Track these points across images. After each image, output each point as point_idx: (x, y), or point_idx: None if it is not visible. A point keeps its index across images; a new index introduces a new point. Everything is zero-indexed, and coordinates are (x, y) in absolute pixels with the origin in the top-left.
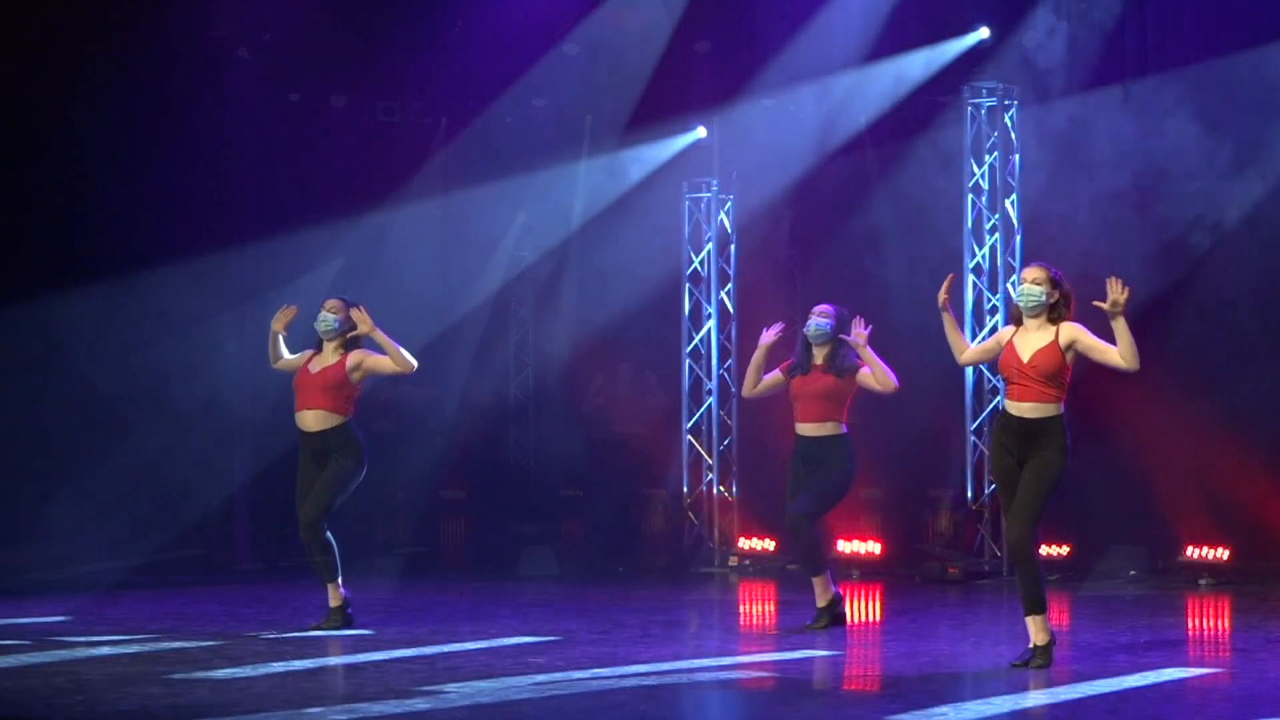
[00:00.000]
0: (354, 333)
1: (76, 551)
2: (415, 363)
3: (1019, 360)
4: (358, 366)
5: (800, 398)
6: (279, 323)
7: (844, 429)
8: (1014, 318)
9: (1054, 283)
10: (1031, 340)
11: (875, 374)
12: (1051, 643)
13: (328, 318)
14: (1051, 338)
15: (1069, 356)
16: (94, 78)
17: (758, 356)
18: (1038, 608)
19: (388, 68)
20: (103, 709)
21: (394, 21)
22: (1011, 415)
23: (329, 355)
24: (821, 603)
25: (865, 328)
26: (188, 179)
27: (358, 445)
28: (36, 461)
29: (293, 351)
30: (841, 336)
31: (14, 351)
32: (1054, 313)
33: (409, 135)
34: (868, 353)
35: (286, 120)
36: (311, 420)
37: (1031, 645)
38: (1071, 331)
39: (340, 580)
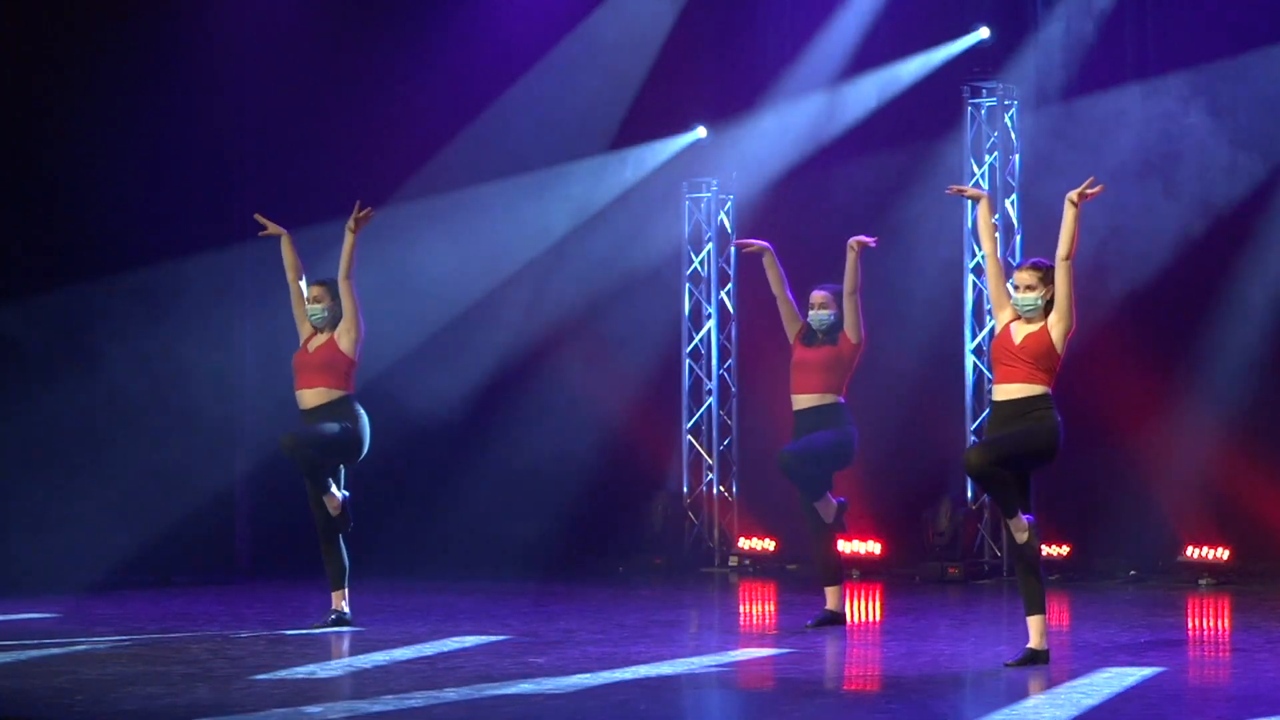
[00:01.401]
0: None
1: (79, 550)
2: (346, 265)
3: (1011, 343)
4: (343, 332)
5: (799, 368)
6: (359, 221)
7: (841, 398)
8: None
9: (1045, 279)
10: (1026, 327)
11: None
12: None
13: (315, 309)
14: (1044, 321)
15: (1055, 334)
16: (110, 75)
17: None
18: (1012, 514)
19: (390, 66)
20: (103, 709)
21: (397, 19)
22: (998, 401)
23: (323, 336)
24: (830, 606)
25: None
26: (195, 177)
27: (359, 416)
28: (49, 457)
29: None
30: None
31: (38, 345)
32: (1049, 306)
33: (412, 135)
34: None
35: (294, 119)
36: (310, 398)
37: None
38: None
39: (346, 591)
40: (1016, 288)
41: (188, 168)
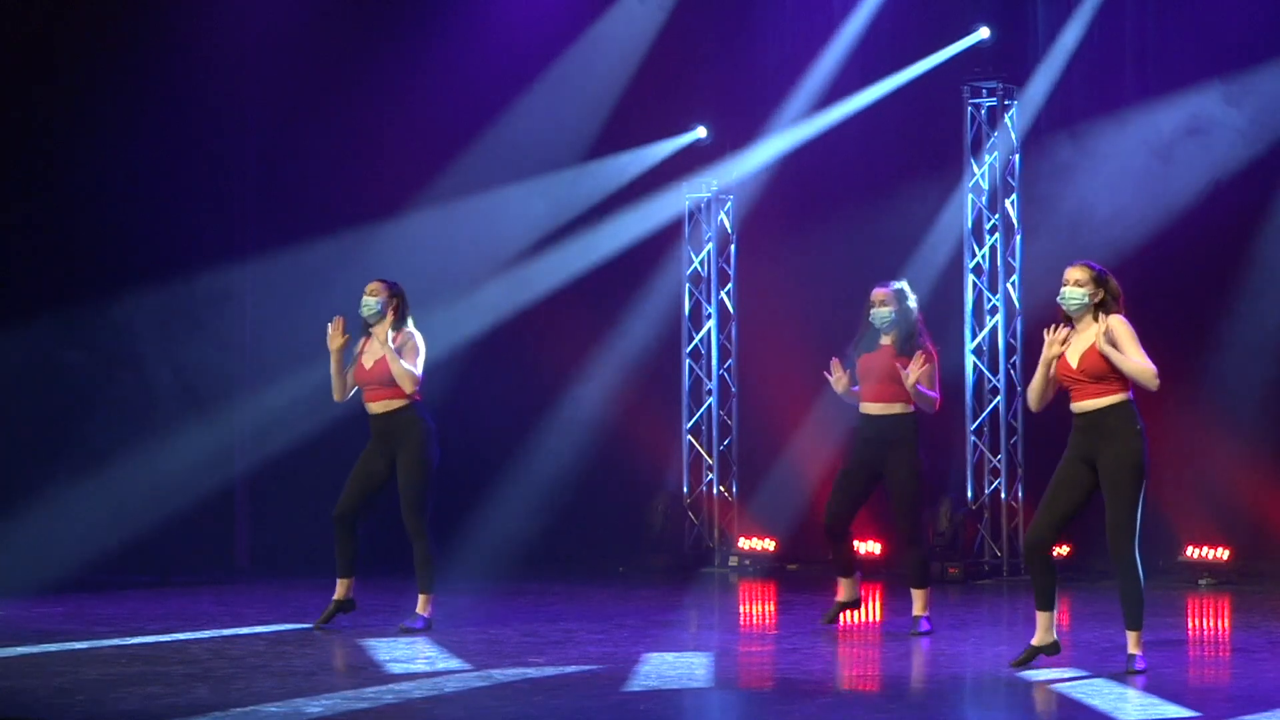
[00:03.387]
0: (374, 327)
1: (79, 549)
2: (410, 387)
3: (1070, 368)
4: (400, 350)
5: (867, 378)
6: (336, 340)
7: (911, 408)
8: (1063, 319)
9: (1098, 281)
10: (1079, 344)
11: (919, 399)
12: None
13: (370, 302)
14: (1095, 337)
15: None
16: (114, 82)
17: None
18: (1135, 623)
19: (395, 74)
20: (103, 709)
21: (402, 26)
22: (1078, 414)
23: (377, 345)
24: (840, 597)
25: (923, 362)
26: (198, 185)
27: (423, 426)
28: (53, 459)
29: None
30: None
31: (77, 350)
32: (1101, 308)
33: (415, 142)
34: (914, 385)
35: (298, 126)
36: (377, 407)
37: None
38: (1111, 324)
39: (352, 580)
40: (1065, 283)
41: (190, 176)
